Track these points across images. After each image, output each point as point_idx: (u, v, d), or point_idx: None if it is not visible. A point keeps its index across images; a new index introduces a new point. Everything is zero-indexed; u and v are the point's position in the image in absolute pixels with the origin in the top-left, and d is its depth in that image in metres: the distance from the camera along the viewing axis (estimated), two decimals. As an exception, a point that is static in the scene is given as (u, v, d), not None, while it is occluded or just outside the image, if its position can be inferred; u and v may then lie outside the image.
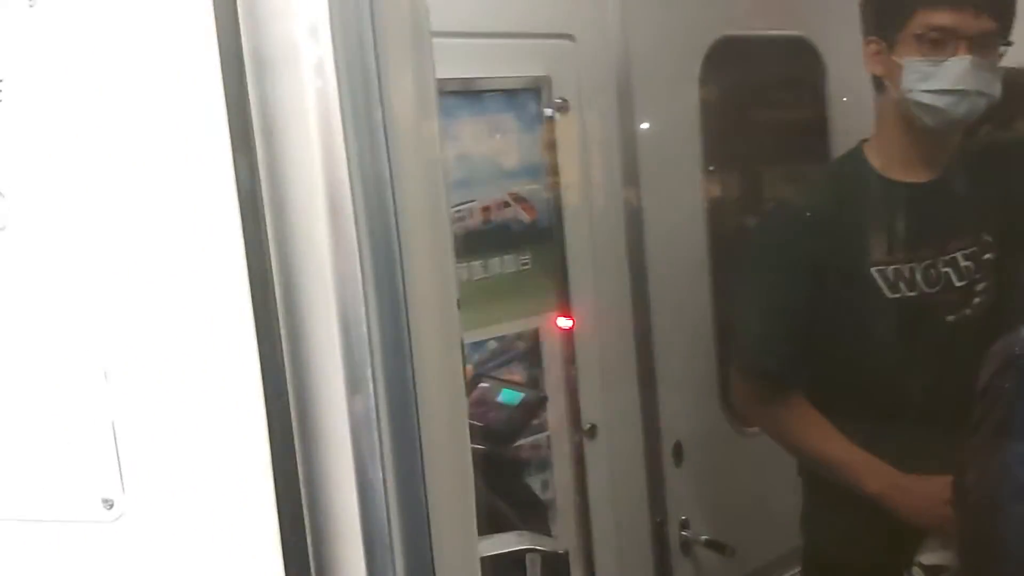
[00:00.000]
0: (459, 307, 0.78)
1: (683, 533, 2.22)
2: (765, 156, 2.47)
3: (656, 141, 2.11)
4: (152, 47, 0.66)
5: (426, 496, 0.63)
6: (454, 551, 0.66)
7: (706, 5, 2.15)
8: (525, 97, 1.91)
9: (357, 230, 0.60)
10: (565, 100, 1.94)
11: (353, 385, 0.59)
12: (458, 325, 0.72)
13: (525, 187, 1.91)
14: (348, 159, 0.66)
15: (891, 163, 1.78)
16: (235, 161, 0.68)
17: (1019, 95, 2.62)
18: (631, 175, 2.08)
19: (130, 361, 0.61)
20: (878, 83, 1.76)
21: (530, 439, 1.89)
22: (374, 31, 0.62)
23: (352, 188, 0.62)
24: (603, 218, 2.04)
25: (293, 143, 0.68)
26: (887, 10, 1.73)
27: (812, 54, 2.39)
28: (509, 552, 0.94)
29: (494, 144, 1.87)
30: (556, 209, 1.96)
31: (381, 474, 0.63)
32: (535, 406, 1.41)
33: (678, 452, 2.19)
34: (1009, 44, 1.69)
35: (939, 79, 1.64)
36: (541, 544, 0.95)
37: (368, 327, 0.62)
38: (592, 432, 2.04)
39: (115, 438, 0.61)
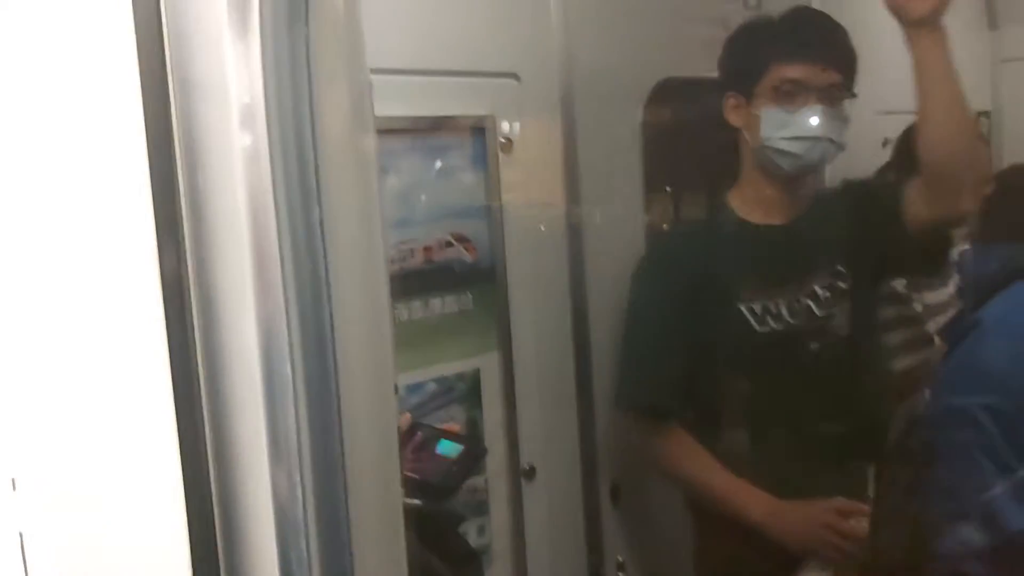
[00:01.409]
0: (396, 391, 0.76)
1: (619, 575, 2.21)
2: (707, 195, 2.49)
3: (599, 181, 2.11)
4: (72, 103, 0.63)
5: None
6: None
7: (649, 49, 2.17)
8: (469, 136, 1.89)
9: (289, 332, 0.57)
10: (509, 139, 1.93)
11: (281, 498, 0.56)
12: (394, 415, 0.70)
13: (468, 226, 1.89)
14: (279, 234, 0.63)
15: (751, 208, 1.93)
16: (159, 243, 0.65)
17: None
18: (574, 215, 2.07)
19: (40, 468, 0.57)
20: (737, 134, 1.91)
21: (468, 482, 1.86)
22: (312, 121, 0.60)
23: (285, 285, 0.59)
24: (546, 258, 2.03)
25: (223, 224, 0.65)
26: (744, 67, 1.88)
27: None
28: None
29: (437, 183, 1.84)
30: (499, 249, 1.94)
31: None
32: (474, 459, 1.38)
33: (615, 493, 2.18)
34: (853, 96, 1.86)
35: (794, 127, 1.81)
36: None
37: (297, 428, 0.59)
38: (531, 474, 2.02)
39: (23, 552, 0.57)
